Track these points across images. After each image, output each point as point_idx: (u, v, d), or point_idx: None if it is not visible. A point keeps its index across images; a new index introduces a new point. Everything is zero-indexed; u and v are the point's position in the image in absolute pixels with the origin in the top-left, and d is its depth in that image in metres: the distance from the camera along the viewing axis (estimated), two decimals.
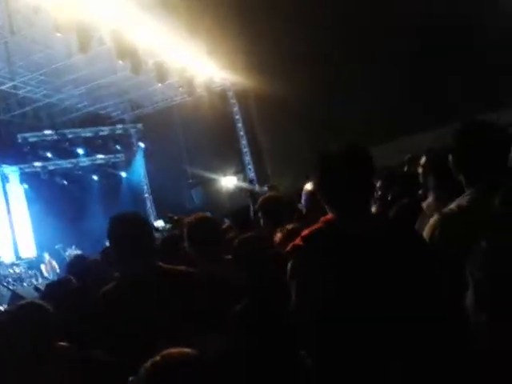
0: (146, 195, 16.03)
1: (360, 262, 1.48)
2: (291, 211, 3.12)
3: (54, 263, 12.28)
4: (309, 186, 2.95)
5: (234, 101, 15.38)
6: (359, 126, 11.06)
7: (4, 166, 13.16)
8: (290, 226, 2.45)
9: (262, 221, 3.09)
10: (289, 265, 1.61)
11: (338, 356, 1.48)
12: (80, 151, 14.27)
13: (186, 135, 14.69)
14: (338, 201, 1.60)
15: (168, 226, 7.85)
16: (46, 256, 12.54)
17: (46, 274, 12.18)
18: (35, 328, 1.90)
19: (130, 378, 1.26)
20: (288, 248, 1.65)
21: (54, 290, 3.11)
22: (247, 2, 11.88)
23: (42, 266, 12.44)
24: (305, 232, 1.64)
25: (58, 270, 11.82)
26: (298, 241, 1.62)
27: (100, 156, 14.76)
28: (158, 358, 1.21)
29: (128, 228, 2.16)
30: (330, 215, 1.63)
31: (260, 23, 11.78)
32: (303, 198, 3.11)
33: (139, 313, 1.94)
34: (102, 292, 2.16)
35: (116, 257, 2.25)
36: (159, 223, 11.01)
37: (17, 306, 2.02)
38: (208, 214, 3.31)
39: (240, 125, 15.61)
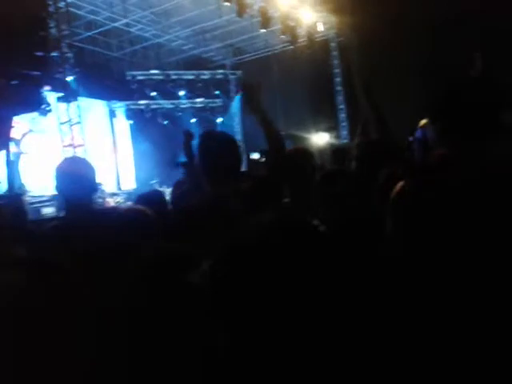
0: (240, 142, 16.44)
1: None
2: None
3: None
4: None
5: (335, 53, 15.00)
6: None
7: (113, 101, 14.13)
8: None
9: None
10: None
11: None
12: (181, 93, 14.89)
13: (282, 86, 14.67)
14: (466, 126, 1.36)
15: (263, 158, 8.07)
16: None
17: None
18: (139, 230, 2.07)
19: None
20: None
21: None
22: None
23: None
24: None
25: None
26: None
27: (199, 100, 15.28)
28: None
29: (222, 146, 2.16)
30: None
31: None
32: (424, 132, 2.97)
33: None
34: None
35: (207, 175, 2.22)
36: (255, 155, 11.31)
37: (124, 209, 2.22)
38: None
39: (338, 79, 15.25)
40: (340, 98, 15.35)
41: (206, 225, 2.01)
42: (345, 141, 15.22)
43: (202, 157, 2.20)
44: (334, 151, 4.53)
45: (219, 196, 2.10)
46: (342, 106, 15.39)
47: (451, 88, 1.50)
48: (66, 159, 2.37)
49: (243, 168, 2.83)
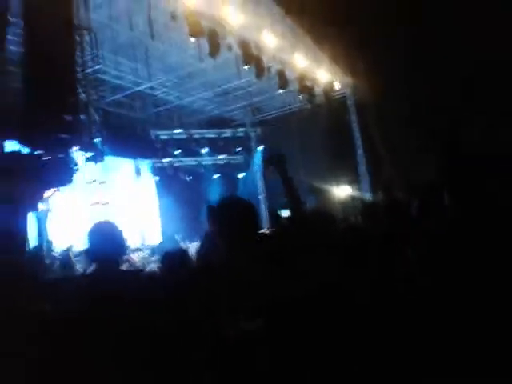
0: (260, 197, 16.70)
1: None
2: None
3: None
4: None
5: (353, 109, 15.42)
6: None
7: (138, 159, 14.69)
8: None
9: None
10: None
11: None
12: (203, 151, 15.42)
13: (302, 142, 15.03)
14: None
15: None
16: None
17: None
18: None
19: None
20: None
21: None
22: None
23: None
24: None
25: None
26: None
27: (221, 156, 15.76)
28: None
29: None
30: None
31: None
32: None
33: None
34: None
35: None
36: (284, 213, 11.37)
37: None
38: None
39: (357, 134, 15.57)
40: (360, 152, 15.59)
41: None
42: (366, 194, 15.29)
43: (219, 224, 2.30)
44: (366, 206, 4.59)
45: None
46: (361, 160, 15.60)
47: None
48: (96, 223, 2.53)
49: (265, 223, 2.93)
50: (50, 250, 8.21)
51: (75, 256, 10.14)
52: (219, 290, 2.10)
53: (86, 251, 2.48)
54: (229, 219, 2.25)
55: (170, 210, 14.55)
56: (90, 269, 2.76)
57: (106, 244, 2.34)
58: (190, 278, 2.56)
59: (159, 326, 2.14)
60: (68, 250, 9.01)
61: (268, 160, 2.75)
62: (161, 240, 14.61)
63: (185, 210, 14.42)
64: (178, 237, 13.72)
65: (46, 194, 9.28)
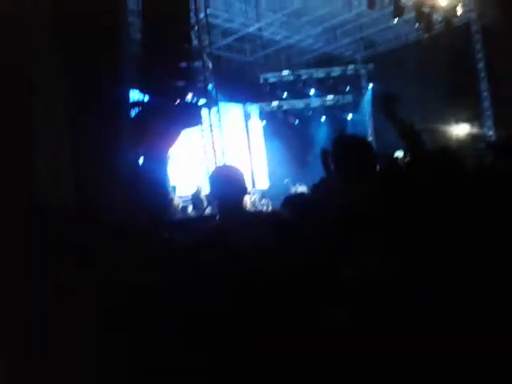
0: (370, 138, 16.02)
1: None
2: None
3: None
4: None
5: (478, 36, 13.82)
6: None
7: (248, 103, 14.75)
8: None
9: None
10: None
11: None
12: (312, 92, 14.97)
13: (418, 77, 13.91)
14: None
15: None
16: None
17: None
18: None
19: None
20: None
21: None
22: None
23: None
24: None
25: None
26: None
27: (330, 97, 15.22)
28: None
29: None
30: None
31: None
32: None
33: None
34: None
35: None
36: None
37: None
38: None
39: (481, 64, 14.02)
40: (484, 85, 14.10)
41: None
42: (490, 132, 13.98)
43: (337, 161, 2.35)
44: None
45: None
46: (485, 94, 14.12)
47: None
48: (218, 167, 2.60)
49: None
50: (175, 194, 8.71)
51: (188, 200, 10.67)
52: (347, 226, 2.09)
53: (211, 194, 2.53)
54: (345, 156, 2.26)
55: (278, 154, 14.58)
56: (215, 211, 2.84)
57: (230, 186, 2.38)
58: (316, 220, 2.52)
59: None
60: (198, 192, 9.55)
61: (377, 101, 2.56)
62: (269, 184, 14.83)
63: (293, 154, 14.35)
64: (287, 180, 13.80)
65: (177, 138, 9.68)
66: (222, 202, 2.44)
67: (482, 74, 14.12)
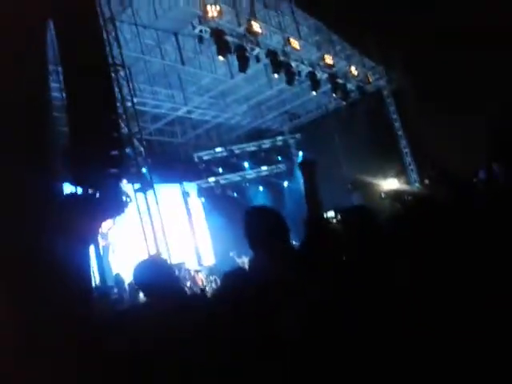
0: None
1: None
2: None
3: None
4: None
5: (390, 99, 15.10)
6: None
7: (185, 182, 14.93)
8: None
9: None
10: None
11: None
12: (246, 164, 15.49)
13: (343, 140, 14.83)
14: None
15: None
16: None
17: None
18: None
19: None
20: None
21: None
22: None
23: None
24: None
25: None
26: None
27: (264, 168, 15.78)
28: None
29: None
30: None
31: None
32: None
33: None
34: None
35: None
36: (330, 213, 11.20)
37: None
38: None
39: (398, 124, 15.23)
40: (403, 142, 15.23)
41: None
42: (416, 184, 14.87)
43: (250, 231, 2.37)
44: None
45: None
46: (406, 150, 15.22)
47: None
48: (141, 262, 2.62)
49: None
50: (119, 282, 8.42)
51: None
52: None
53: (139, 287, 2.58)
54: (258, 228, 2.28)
55: (220, 228, 14.64)
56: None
57: (156, 280, 2.43)
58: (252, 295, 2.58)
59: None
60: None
61: (299, 167, 2.69)
62: (215, 259, 14.75)
63: (234, 226, 14.45)
64: (232, 253, 13.77)
65: (103, 228, 9.59)
66: (149, 294, 2.50)
67: (400, 133, 15.27)
